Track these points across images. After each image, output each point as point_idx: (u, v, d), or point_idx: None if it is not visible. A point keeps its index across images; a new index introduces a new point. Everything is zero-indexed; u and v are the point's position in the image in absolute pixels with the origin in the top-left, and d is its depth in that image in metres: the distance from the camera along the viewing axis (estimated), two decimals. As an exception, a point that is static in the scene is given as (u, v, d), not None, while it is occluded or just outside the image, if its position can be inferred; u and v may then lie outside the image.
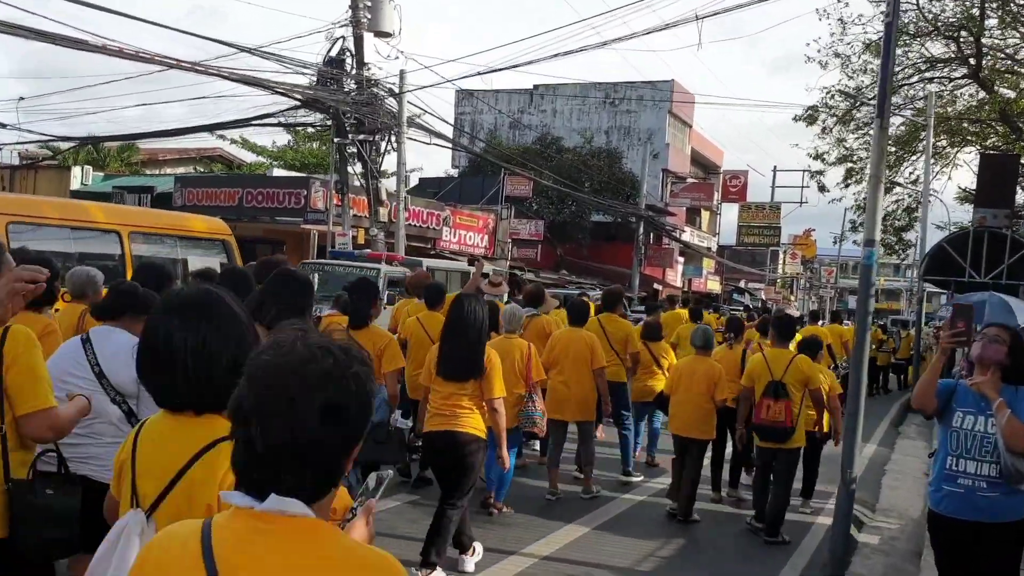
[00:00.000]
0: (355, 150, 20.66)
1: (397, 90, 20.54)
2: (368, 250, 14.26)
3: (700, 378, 7.55)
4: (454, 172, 40.05)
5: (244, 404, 1.45)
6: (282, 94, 19.15)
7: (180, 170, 31.36)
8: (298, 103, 20.08)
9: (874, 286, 6.52)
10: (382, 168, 21.81)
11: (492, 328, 6.42)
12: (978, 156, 19.26)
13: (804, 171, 53.92)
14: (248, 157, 35.03)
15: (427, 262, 15.41)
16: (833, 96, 24.54)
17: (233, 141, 33.27)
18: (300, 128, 24.44)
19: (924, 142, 29.66)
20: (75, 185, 26.41)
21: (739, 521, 7.76)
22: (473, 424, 5.49)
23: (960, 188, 33.87)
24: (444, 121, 33.60)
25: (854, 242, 41.28)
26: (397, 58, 20.53)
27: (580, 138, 39.70)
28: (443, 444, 5.48)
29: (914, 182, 30.63)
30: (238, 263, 9.62)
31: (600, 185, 35.55)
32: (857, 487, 8.70)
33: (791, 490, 7.32)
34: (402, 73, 20.56)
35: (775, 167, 51.27)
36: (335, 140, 20.33)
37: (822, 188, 28.66)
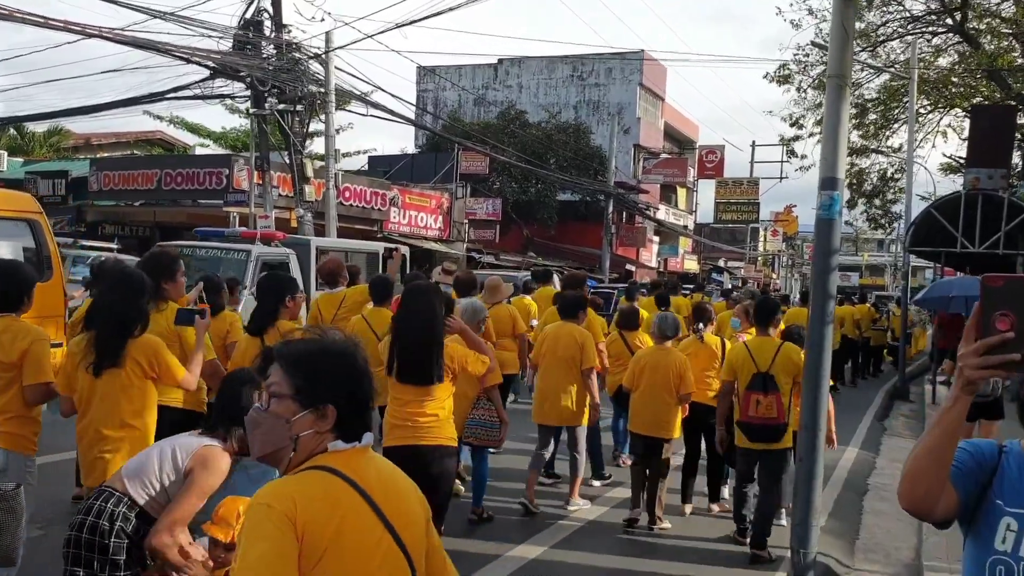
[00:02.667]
0: (277, 121, 18.58)
1: (322, 55, 18.43)
2: (242, 228, 12.27)
3: (663, 371, 6.80)
4: (415, 152, 37.92)
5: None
6: (190, 61, 17.00)
7: (118, 155, 29.16)
8: (209, 72, 17.95)
9: (838, 252, 4.59)
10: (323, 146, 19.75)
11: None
12: (969, 111, 17.27)
13: (781, 143, 52.53)
14: (191, 140, 32.83)
15: (318, 241, 13.37)
16: (808, 53, 22.58)
17: (172, 122, 31.05)
18: (223, 101, 22.19)
19: (907, 106, 27.95)
20: (-12, 171, 24.21)
21: (712, 530, 6.80)
22: (440, 434, 4.81)
23: (945, 156, 32.16)
24: (384, 91, 31.47)
25: (846, 222, 39.57)
26: (323, 20, 18.41)
27: (547, 113, 37.60)
28: (405, 460, 4.10)
29: (896, 150, 28.81)
30: (49, 246, 7.59)
31: (566, 161, 33.52)
32: (831, 515, 6.86)
33: (779, 496, 6.48)
34: (327, 35, 18.43)
35: (753, 142, 49.58)
36: (251, 111, 18.24)
37: (792, 153, 26.65)
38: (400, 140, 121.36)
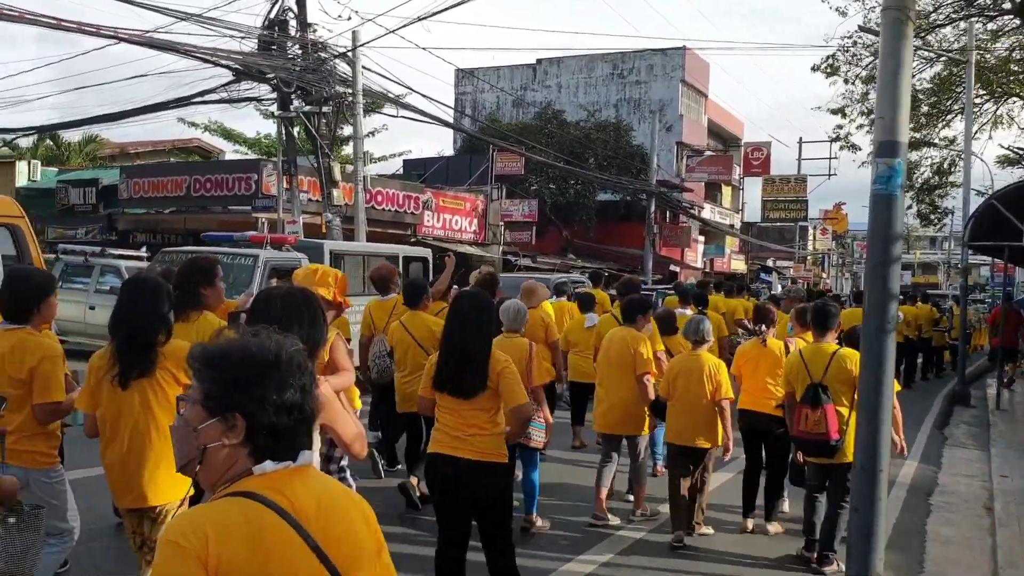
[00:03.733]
0: (304, 124, 18.12)
1: (349, 55, 17.93)
2: (251, 233, 11.75)
3: (696, 377, 6.40)
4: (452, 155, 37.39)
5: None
6: (213, 63, 16.60)
7: (148, 163, 29.06)
8: (234, 74, 17.55)
9: (900, 239, 3.78)
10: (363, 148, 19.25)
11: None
12: None
13: (830, 140, 51.38)
14: (228, 147, 32.63)
15: (332, 245, 12.79)
16: (855, 41, 21.51)
17: (208, 128, 30.85)
18: (257, 106, 21.83)
19: (960, 96, 26.68)
20: (22, 181, 24.18)
21: (774, 547, 6.36)
22: (490, 448, 4.47)
23: (1003, 148, 30.77)
24: (417, 92, 31.00)
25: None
26: (350, 18, 17.94)
27: (586, 113, 36.79)
28: (451, 471, 4.48)
29: (950, 142, 27.54)
30: (32, 253, 7.07)
31: (606, 160, 32.70)
32: (890, 543, 6.04)
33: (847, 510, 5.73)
34: (354, 33, 17.94)
35: (800, 138, 48.38)
36: (277, 114, 17.81)
37: (848, 146, 25.50)
38: (438, 144, 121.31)
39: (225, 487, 1.72)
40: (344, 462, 4.90)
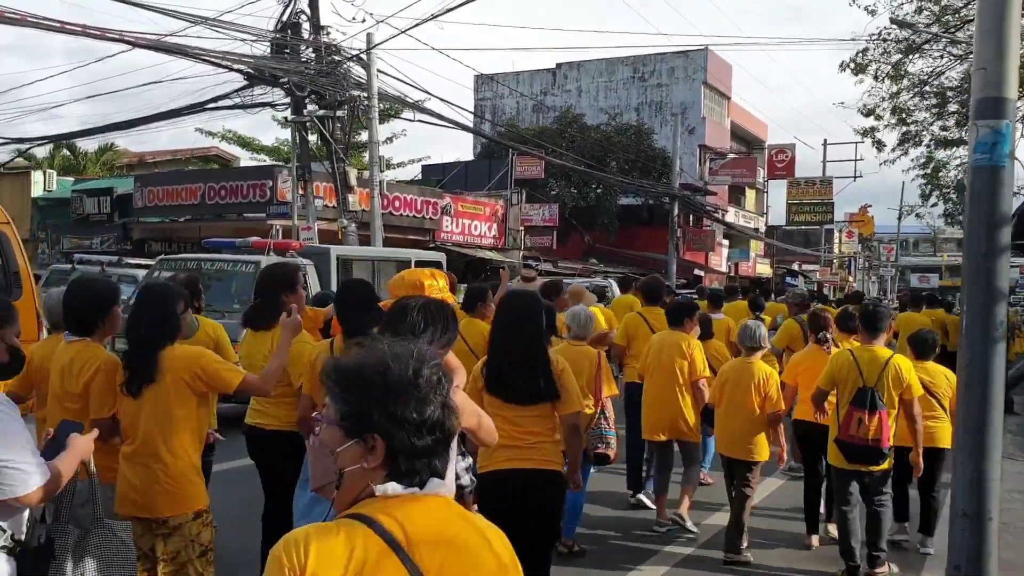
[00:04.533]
0: (320, 129, 17.74)
1: (363, 57, 17.54)
2: (253, 238, 11.33)
3: (744, 386, 6.19)
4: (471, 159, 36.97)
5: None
6: (224, 67, 16.26)
7: (162, 171, 28.84)
8: (246, 78, 17.20)
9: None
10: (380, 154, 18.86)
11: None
12: None
13: (856, 141, 50.80)
14: (246, 155, 32.41)
15: (339, 250, 12.33)
16: (885, 38, 20.83)
17: (225, 137, 30.64)
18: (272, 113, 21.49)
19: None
20: (37, 191, 24.00)
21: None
22: (554, 455, 4.32)
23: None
24: (436, 96, 30.84)
25: (916, 215, 37.71)
26: (364, 20, 17.52)
27: (607, 116, 36.28)
28: (519, 484, 4.21)
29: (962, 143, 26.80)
30: (18, 260, 6.68)
31: (627, 164, 32.16)
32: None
33: (889, 507, 5.87)
34: (369, 36, 17.53)
35: (825, 140, 47.75)
36: (290, 118, 17.44)
37: (877, 143, 24.81)
38: (457, 150, 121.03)
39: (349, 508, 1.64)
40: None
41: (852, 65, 21.59)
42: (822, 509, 6.70)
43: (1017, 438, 11.38)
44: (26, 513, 2.83)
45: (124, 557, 3.19)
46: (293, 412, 4.59)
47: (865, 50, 21.56)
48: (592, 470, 6.51)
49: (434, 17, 14.25)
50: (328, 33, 17.70)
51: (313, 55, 17.51)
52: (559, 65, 42.45)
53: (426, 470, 1.63)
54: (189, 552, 3.65)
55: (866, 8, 21.28)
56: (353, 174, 17.81)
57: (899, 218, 64.23)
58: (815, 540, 6.47)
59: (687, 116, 38.09)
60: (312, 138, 21.23)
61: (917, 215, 36.83)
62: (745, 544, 6.08)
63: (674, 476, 7.08)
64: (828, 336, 6.80)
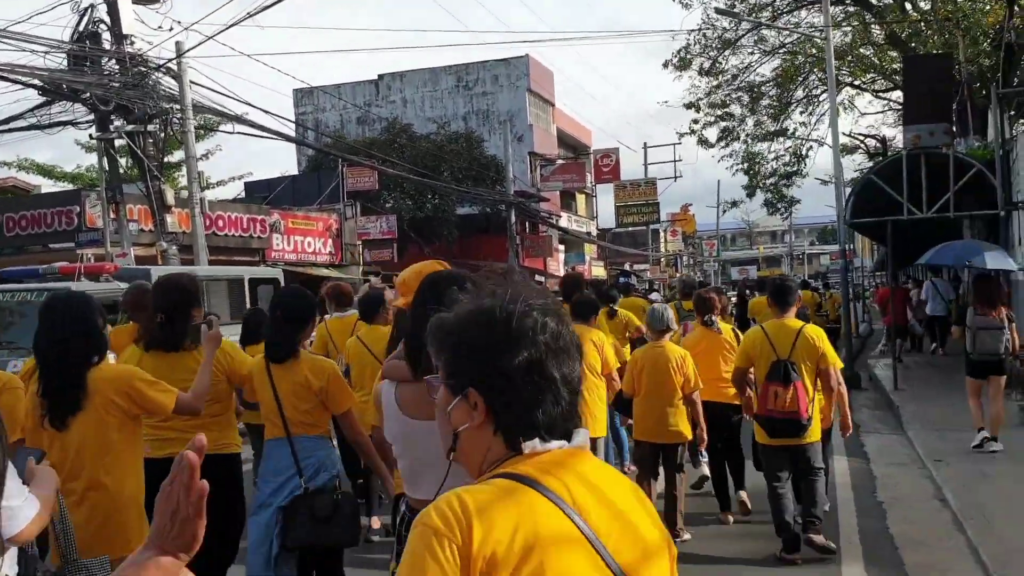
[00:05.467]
0: (130, 146, 16.21)
1: (173, 67, 16.14)
2: (61, 263, 10.05)
3: (663, 368, 6.14)
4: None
5: None
6: (10, 80, 14.51)
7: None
8: (42, 93, 15.49)
9: None
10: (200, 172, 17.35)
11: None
12: (901, 65, 16.12)
13: (674, 143, 52.66)
14: (47, 183, 29.65)
15: (160, 271, 11.13)
16: (704, 33, 21.32)
17: (21, 166, 27.94)
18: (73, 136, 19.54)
19: (803, 87, 27.20)
20: None
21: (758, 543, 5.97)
22: None
23: (844, 135, 31.68)
24: (257, 108, 29.48)
25: (733, 203, 39.24)
26: (171, 28, 16.13)
27: (435, 126, 35.69)
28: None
29: (789, 133, 28.02)
30: None
31: (461, 173, 31.68)
32: (867, 559, 5.14)
33: (821, 478, 5.81)
34: (178, 45, 16.15)
35: (645, 143, 49.20)
36: (95, 136, 15.83)
37: (703, 141, 25.46)
38: (280, 165, 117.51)
39: (490, 470, 1.46)
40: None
41: (676, 61, 22.00)
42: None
43: (877, 412, 11.53)
44: (14, 550, 2.46)
45: None
46: (221, 433, 4.23)
47: (687, 46, 22.02)
48: None
49: (249, 16, 13.20)
50: (132, 43, 16.23)
51: (117, 67, 15.99)
52: (381, 76, 41.59)
53: (551, 421, 1.47)
54: None
55: (681, 3, 21.74)
56: (170, 193, 16.37)
57: (718, 215, 67.26)
58: (730, 517, 6.55)
59: (514, 123, 38.04)
60: (123, 160, 19.53)
61: (735, 204, 38.34)
62: (681, 525, 6.07)
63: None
64: (714, 319, 6.92)
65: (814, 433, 5.65)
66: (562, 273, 41.19)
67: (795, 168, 27.88)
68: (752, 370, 5.89)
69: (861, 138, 32.95)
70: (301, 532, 3.96)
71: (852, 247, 26.09)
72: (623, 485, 1.53)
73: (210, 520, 4.33)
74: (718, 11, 19.18)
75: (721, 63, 24.65)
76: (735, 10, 21.05)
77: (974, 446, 8.35)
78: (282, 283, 12.59)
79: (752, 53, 25.29)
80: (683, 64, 22.42)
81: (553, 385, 1.46)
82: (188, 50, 15.46)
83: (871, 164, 32.54)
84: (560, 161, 42.49)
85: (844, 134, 32.10)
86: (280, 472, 4.04)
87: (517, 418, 1.45)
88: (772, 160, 29.52)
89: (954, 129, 12.86)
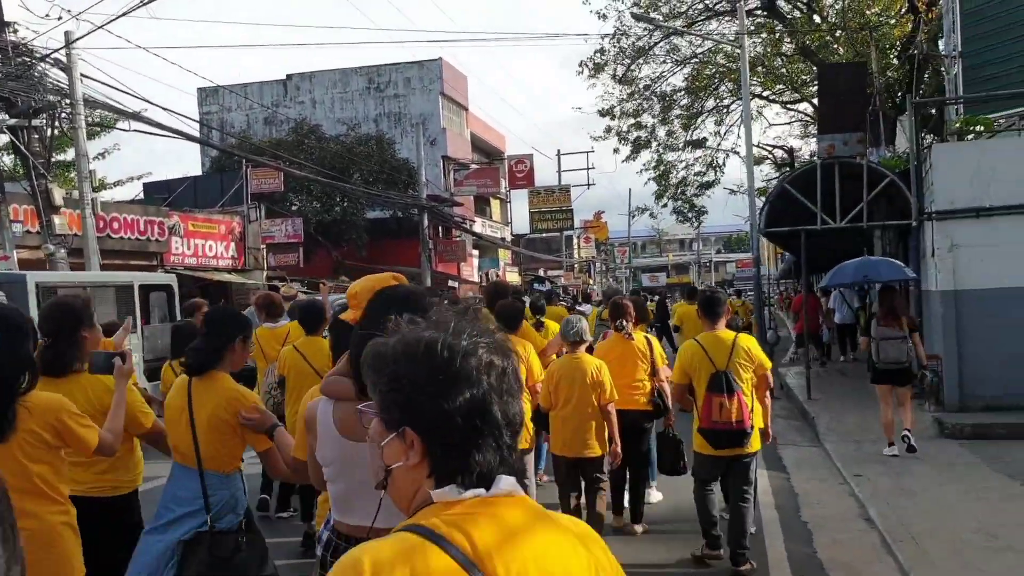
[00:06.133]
0: (13, 142, 15.13)
1: (63, 59, 15.13)
2: None
3: (580, 380, 5.99)
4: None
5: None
6: None
7: None
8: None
9: None
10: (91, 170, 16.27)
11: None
12: (816, 71, 16.18)
13: (587, 151, 52.92)
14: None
15: (39, 276, 10.33)
16: (619, 38, 21.20)
17: None
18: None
19: (714, 95, 27.41)
20: None
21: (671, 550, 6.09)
22: None
23: (756, 147, 32.07)
24: (157, 105, 28.36)
25: (651, 215, 39.84)
26: (60, 17, 15.10)
27: (345, 127, 34.85)
28: None
29: (699, 144, 28.25)
30: None
31: (371, 176, 30.95)
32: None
33: (751, 503, 5.82)
34: (67, 35, 15.15)
35: (559, 150, 49.30)
36: (-28, 129, 14.70)
37: (623, 139, 25.38)
38: (182, 167, 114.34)
39: (415, 512, 1.41)
40: None
41: (591, 64, 21.83)
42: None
43: (793, 423, 11.41)
44: None
45: None
46: (93, 475, 3.99)
47: (602, 50, 21.85)
48: None
49: (142, 3, 12.34)
50: (16, 31, 15.16)
51: (-1, 55, 14.89)
52: (290, 76, 40.55)
53: (487, 467, 1.38)
54: None
55: (597, 12, 21.66)
56: (59, 193, 15.31)
57: (629, 222, 68.14)
58: (622, 522, 6.63)
59: (427, 127, 37.48)
60: (8, 159, 18.32)
61: (652, 215, 38.91)
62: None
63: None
64: (625, 324, 6.75)
65: (755, 442, 5.68)
66: (476, 279, 40.87)
67: (711, 178, 28.11)
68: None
69: (769, 149, 33.49)
70: (201, 569, 3.64)
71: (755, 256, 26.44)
72: (564, 533, 1.42)
73: (108, 558, 3.87)
74: (634, 16, 19.06)
75: (634, 71, 24.69)
76: (649, 17, 21.05)
77: (888, 454, 8.68)
78: (176, 289, 11.80)
79: (664, 62, 25.42)
80: (597, 68, 22.26)
81: (496, 430, 1.39)
82: (78, 38, 14.49)
83: (778, 175, 33.25)
84: (474, 166, 42.12)
85: (754, 145, 32.58)
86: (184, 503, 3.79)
87: (453, 463, 1.38)
88: (683, 169, 29.82)
89: (867, 139, 12.88)
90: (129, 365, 3.77)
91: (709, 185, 28.59)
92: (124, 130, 24.42)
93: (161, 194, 24.83)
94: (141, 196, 26.29)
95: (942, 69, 19.74)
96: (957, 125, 11.36)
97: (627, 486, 6.69)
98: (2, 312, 3.43)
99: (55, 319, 3.98)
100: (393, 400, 1.40)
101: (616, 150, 26.46)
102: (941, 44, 18.84)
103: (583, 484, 6.12)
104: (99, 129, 24.47)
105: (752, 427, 5.57)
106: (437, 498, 1.37)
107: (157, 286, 11.84)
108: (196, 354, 3.81)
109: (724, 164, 27.04)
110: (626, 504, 6.70)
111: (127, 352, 3.95)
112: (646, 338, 6.95)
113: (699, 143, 26.68)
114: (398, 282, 2.91)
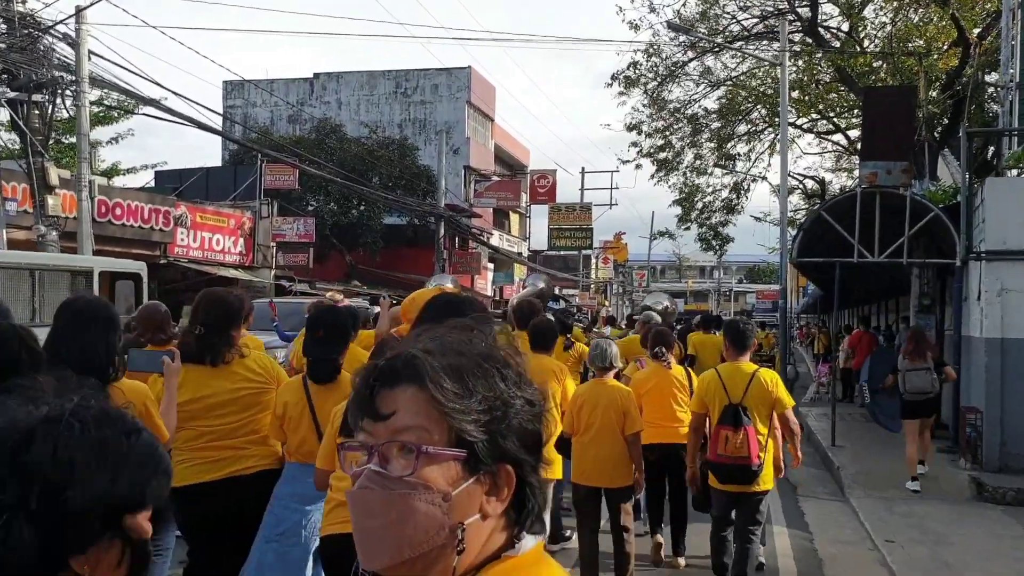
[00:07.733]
0: (12, 116, 14.52)
1: (71, 33, 14.53)
2: None
3: (604, 407, 5.63)
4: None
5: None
6: None
7: None
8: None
9: None
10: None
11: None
12: (862, 96, 15.33)
13: (612, 171, 52.27)
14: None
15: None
16: (652, 54, 20.41)
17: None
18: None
19: (747, 118, 26.62)
20: None
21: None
22: None
23: (788, 175, 31.27)
24: (178, 94, 27.73)
25: (669, 236, 39.05)
26: (71, -10, 14.55)
27: (368, 130, 34.26)
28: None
29: (730, 158, 27.42)
30: None
31: (391, 181, 30.29)
32: None
33: (756, 543, 5.66)
34: (78, 9, 14.56)
35: (583, 168, 48.67)
36: (-30, 101, 14.10)
37: (646, 154, 24.58)
38: (206, 160, 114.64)
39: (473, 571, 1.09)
40: None
41: (623, 78, 21.06)
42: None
43: (813, 471, 10.49)
44: None
45: None
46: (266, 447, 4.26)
47: (635, 63, 21.07)
48: None
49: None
50: (24, 1, 14.58)
51: (3, 27, 14.31)
52: (317, 75, 40.10)
53: (532, 511, 1.16)
54: None
55: (630, 23, 20.88)
56: (55, 172, 14.67)
57: (649, 246, 67.45)
58: (660, 538, 6.48)
59: (451, 135, 36.85)
60: (7, 135, 17.76)
61: (671, 236, 38.03)
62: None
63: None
64: (664, 351, 6.50)
65: (765, 481, 5.46)
66: (490, 292, 40.08)
67: (736, 202, 27.26)
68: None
69: (800, 178, 32.62)
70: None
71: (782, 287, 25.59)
72: None
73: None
74: (670, 25, 18.26)
75: (664, 94, 23.99)
76: (686, 28, 20.32)
77: (910, 489, 8.87)
78: (144, 277, 11.02)
79: (698, 84, 24.67)
80: (629, 82, 21.47)
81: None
82: (86, 6, 13.87)
83: (807, 205, 32.34)
84: (496, 178, 41.44)
85: (789, 174, 31.80)
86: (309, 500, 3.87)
87: (534, 502, 1.14)
88: (710, 194, 29.03)
89: (912, 169, 12.02)
90: (178, 363, 3.85)
91: (733, 209, 27.72)
92: (135, 114, 23.88)
93: (172, 183, 24.23)
94: (152, 183, 25.72)
95: (989, 103, 18.87)
96: (1014, 159, 10.46)
97: (668, 519, 6.57)
98: (95, 304, 3.58)
99: (213, 314, 4.14)
100: (496, 426, 1.09)
101: (639, 166, 25.54)
102: (990, 77, 17.97)
103: (609, 517, 5.84)
104: (117, 113, 23.95)
105: (760, 464, 5.35)
106: (518, 552, 1.12)
107: (124, 274, 11.03)
108: (325, 365, 3.97)
109: (751, 188, 26.17)
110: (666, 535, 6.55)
111: (174, 350, 4.04)
112: (685, 369, 6.77)
113: (731, 157, 25.84)
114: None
